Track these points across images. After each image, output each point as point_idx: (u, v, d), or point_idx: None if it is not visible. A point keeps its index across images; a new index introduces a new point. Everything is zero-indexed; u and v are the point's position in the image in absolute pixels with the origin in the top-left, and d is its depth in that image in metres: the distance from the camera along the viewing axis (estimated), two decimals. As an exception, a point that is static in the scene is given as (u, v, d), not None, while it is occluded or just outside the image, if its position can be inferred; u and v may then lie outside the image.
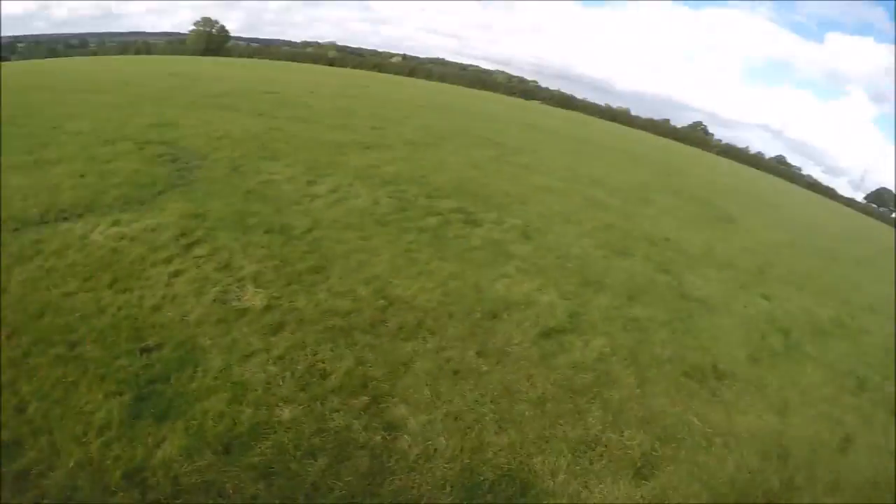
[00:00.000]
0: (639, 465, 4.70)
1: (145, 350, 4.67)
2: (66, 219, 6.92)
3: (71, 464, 3.52)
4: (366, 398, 4.61)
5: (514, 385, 5.26)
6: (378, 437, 4.23)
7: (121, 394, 4.13)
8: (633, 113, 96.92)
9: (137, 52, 74.87)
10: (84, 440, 3.71)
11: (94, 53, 77.40)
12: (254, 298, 5.73)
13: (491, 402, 4.94)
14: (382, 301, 6.24)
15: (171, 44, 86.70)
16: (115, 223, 6.89)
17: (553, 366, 5.75)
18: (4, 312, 4.89)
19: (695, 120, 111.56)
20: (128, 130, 11.84)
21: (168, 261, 6.21)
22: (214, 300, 5.57)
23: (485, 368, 5.41)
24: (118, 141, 10.85)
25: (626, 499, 4.30)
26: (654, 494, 4.43)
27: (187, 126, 12.88)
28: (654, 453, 4.91)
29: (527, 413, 4.91)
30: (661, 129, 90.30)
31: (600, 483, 4.38)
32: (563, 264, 8.81)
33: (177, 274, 5.96)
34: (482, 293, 7.01)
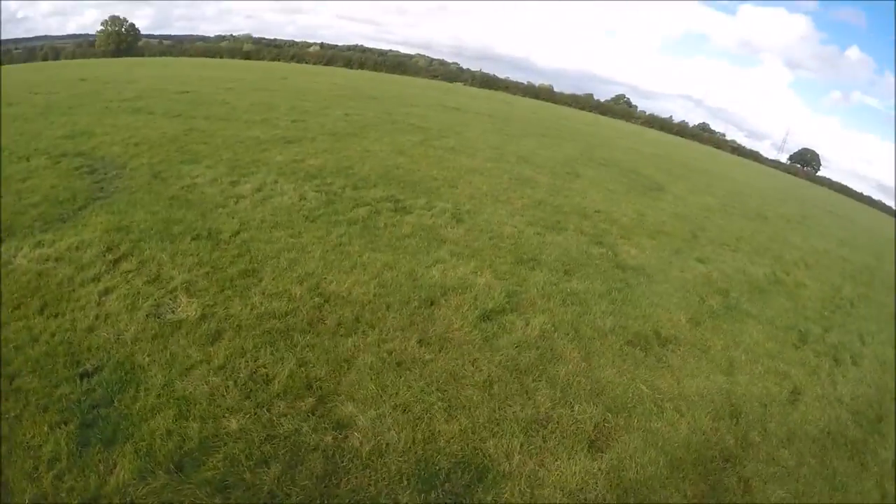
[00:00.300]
0: (593, 437, 4.90)
1: (84, 375, 4.55)
2: (-14, 245, 6.62)
3: (26, 501, 3.45)
4: (312, 399, 4.63)
5: (459, 371, 5.36)
6: (329, 438, 4.26)
7: (66, 423, 4.04)
8: (556, 89, 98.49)
9: (45, 58, 71.63)
10: (36, 475, 3.63)
11: (-1, 62, 73.89)
12: (188, 309, 5.62)
13: (437, 390, 5.02)
14: (318, 298, 6.22)
15: (80, 47, 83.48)
16: (39, 245, 6.61)
17: (496, 347, 5.88)
18: (-70, 350, 4.68)
19: (617, 93, 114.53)
20: (41, 144, 11.31)
21: (97, 279, 6.01)
22: (148, 315, 5.44)
23: (428, 357, 5.48)
24: (32, 156, 10.38)
25: (583, 473, 4.46)
26: (612, 465, 4.61)
27: (102, 134, 12.34)
28: (606, 425, 5.11)
29: (475, 398, 5.01)
30: (584, 103, 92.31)
31: (556, 460, 4.53)
32: (496, 244, 8.95)
33: (107, 292, 5.78)
34: (418, 281, 7.06)
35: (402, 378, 5.08)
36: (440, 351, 5.61)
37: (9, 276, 5.91)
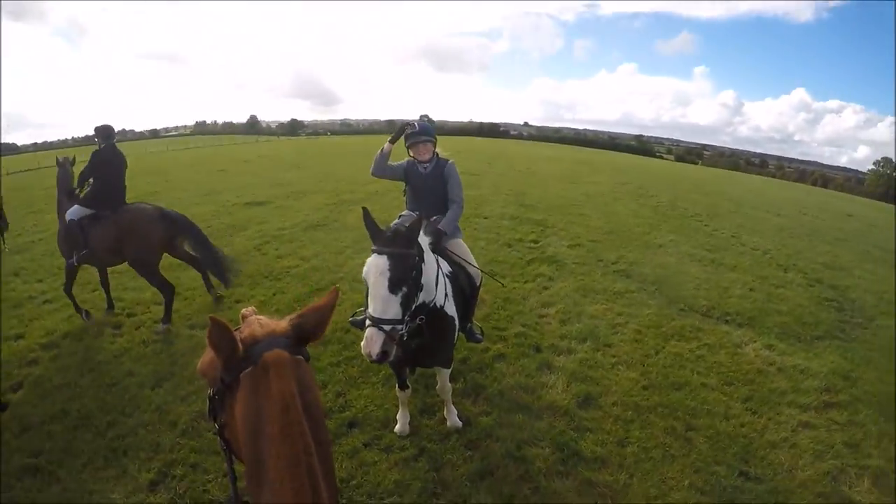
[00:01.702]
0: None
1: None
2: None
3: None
4: None
5: None
6: None
7: None
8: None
9: (814, 183, 75.40)
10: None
11: (772, 175, 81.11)
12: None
13: None
14: None
15: (848, 181, 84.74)
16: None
17: None
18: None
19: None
20: (799, 262, 12.08)
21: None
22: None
23: None
24: (789, 269, 11.31)
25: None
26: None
27: (859, 277, 11.63)
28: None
29: None
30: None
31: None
32: None
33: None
34: None
35: None
36: None
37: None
